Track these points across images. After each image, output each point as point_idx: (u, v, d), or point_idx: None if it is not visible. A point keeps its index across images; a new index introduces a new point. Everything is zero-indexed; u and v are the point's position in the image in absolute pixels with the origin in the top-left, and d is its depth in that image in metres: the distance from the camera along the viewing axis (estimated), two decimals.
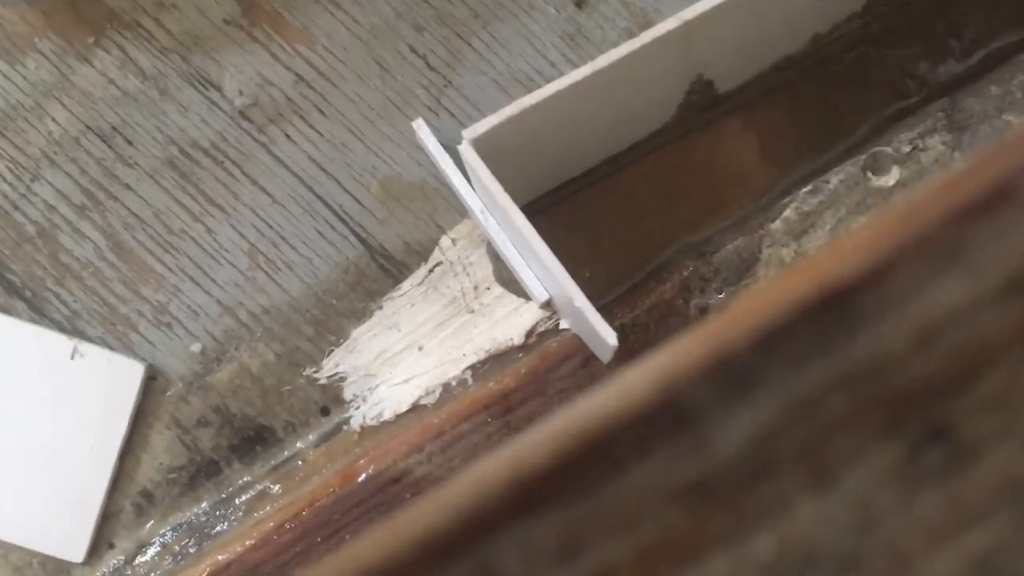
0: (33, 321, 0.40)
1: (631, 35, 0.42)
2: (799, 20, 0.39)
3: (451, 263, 0.41)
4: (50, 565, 0.39)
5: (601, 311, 0.34)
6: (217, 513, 0.40)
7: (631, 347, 0.38)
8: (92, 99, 0.41)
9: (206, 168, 0.41)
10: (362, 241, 0.41)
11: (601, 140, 0.40)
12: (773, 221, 0.39)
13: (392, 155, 0.42)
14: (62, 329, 0.40)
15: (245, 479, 0.40)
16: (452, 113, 0.42)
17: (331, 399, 0.41)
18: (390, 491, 0.38)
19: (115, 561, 0.39)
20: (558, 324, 0.40)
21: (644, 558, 0.11)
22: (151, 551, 0.39)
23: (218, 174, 0.41)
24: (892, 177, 0.39)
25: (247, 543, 0.38)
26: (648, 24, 0.42)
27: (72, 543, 0.39)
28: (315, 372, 0.41)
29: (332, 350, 0.41)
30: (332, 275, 0.41)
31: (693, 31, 0.36)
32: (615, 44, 0.42)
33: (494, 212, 0.37)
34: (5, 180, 0.41)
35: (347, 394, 0.41)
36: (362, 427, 0.40)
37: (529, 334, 0.40)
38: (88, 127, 0.41)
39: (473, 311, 0.41)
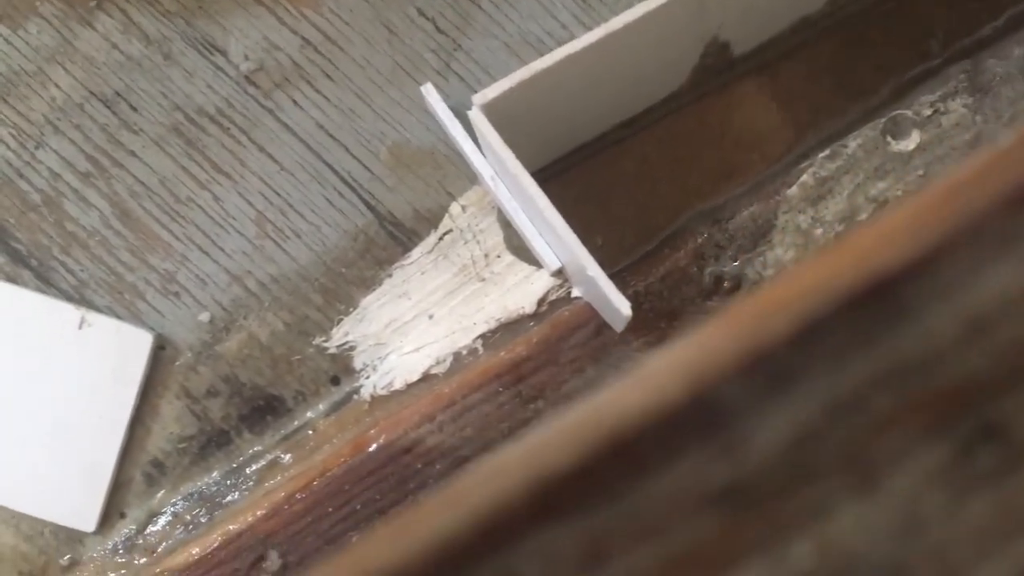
0: (40, 290, 0.40)
1: None
2: None
3: (461, 230, 0.41)
4: (62, 534, 0.39)
5: (614, 278, 0.33)
6: (228, 483, 0.40)
7: (644, 316, 0.38)
8: (95, 64, 0.40)
9: (212, 135, 0.40)
10: (371, 208, 0.41)
11: (614, 104, 0.39)
12: (790, 187, 0.38)
13: (401, 120, 0.41)
14: (69, 298, 0.40)
15: (255, 449, 0.40)
16: (462, 77, 0.41)
17: (341, 368, 0.40)
18: (402, 461, 0.38)
19: (127, 530, 0.39)
20: (570, 292, 0.40)
21: (673, 567, 0.11)
22: (162, 520, 0.39)
23: (224, 141, 0.40)
24: (912, 141, 0.38)
25: (258, 513, 0.38)
26: None
27: (83, 512, 0.39)
28: (324, 341, 0.40)
29: (341, 319, 0.40)
30: (341, 243, 0.41)
31: None
32: (628, 5, 0.41)
33: (505, 179, 0.37)
34: (9, 147, 0.40)
35: (357, 363, 0.40)
36: (372, 396, 0.40)
37: (540, 302, 0.40)
38: (92, 93, 0.40)
39: (484, 279, 0.41)
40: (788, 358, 0.11)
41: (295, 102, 0.41)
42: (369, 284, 0.41)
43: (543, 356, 0.38)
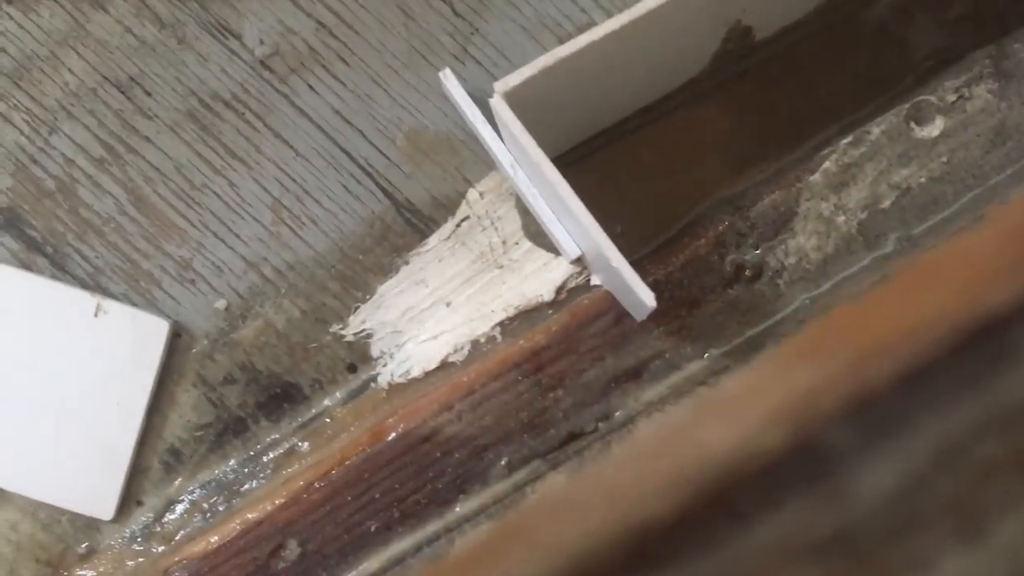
0: (55, 278, 0.39)
1: None
2: None
3: (479, 217, 0.40)
4: (79, 522, 0.39)
5: (633, 266, 0.33)
6: (245, 471, 0.39)
7: (664, 305, 0.38)
8: (108, 48, 0.40)
9: (227, 120, 0.40)
10: (388, 195, 0.40)
11: (634, 90, 0.38)
12: (812, 173, 0.38)
13: (418, 106, 0.40)
14: (85, 286, 0.40)
15: (273, 437, 0.40)
16: (479, 61, 0.41)
17: (358, 356, 0.40)
18: (420, 450, 0.38)
19: (144, 518, 0.39)
20: (589, 280, 0.39)
21: None
22: (180, 508, 0.39)
23: (240, 126, 0.40)
24: (936, 128, 0.38)
25: (277, 501, 0.38)
26: None
27: (101, 500, 0.39)
28: (341, 329, 0.40)
29: (358, 306, 0.40)
30: (357, 230, 0.40)
31: None
32: None
33: (525, 166, 0.36)
34: (23, 133, 0.40)
35: (374, 351, 0.40)
36: (390, 384, 0.40)
37: (559, 290, 0.39)
38: (105, 77, 0.40)
39: (502, 266, 0.40)
40: (895, 403, 0.11)
41: (311, 87, 0.40)
42: (386, 271, 0.40)
43: (562, 345, 0.38)
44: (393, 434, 0.38)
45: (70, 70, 0.40)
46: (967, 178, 0.38)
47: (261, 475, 0.39)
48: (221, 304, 0.40)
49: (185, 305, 0.40)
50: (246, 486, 0.39)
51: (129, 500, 0.39)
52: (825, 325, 0.12)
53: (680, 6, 0.34)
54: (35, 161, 0.40)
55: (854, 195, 0.38)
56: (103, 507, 0.39)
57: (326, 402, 0.40)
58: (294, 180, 0.40)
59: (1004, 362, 0.11)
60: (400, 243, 0.40)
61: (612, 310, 0.38)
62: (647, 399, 0.38)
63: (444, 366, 0.39)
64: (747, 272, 0.38)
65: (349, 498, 0.38)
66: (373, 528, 0.38)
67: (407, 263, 0.40)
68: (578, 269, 0.39)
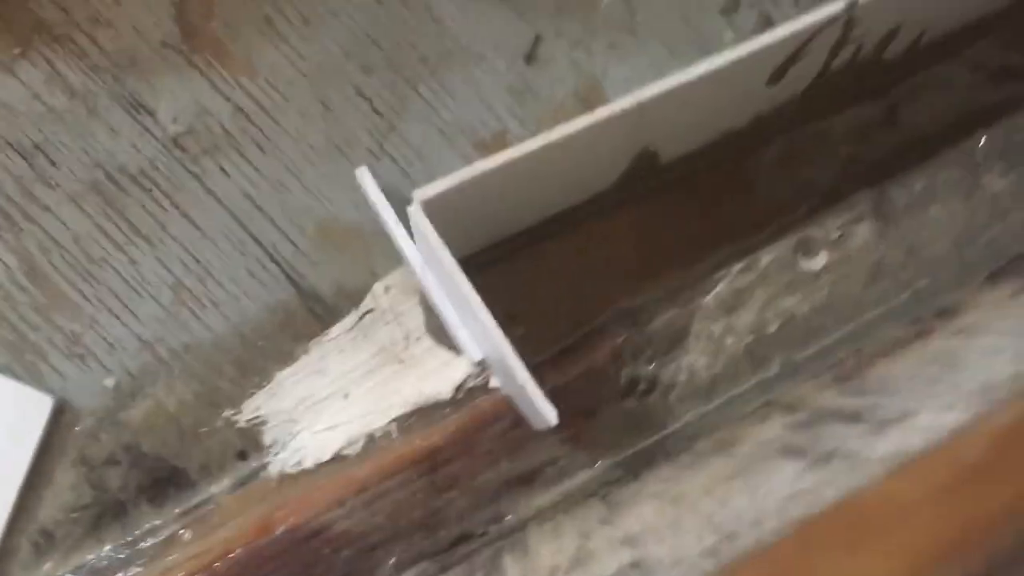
0: None
1: (578, 96, 0.42)
2: (743, 101, 0.40)
3: (383, 311, 0.41)
4: None
5: (533, 371, 0.34)
6: (121, 557, 0.38)
7: (561, 413, 0.38)
8: (14, 113, 0.39)
9: (133, 195, 0.39)
10: (293, 283, 0.40)
11: (546, 201, 0.40)
12: (706, 295, 0.40)
13: (331, 196, 0.41)
14: None
15: (154, 523, 0.38)
16: (394, 159, 0.41)
17: (250, 443, 0.39)
18: (309, 546, 0.37)
19: None
20: (488, 381, 0.40)
21: None
22: None
23: (146, 203, 0.39)
24: (820, 261, 0.41)
25: None
26: (596, 86, 0.43)
27: None
28: (235, 414, 0.39)
29: (254, 392, 0.40)
30: (259, 315, 0.40)
31: (646, 110, 0.36)
32: (561, 104, 0.43)
33: (435, 269, 0.37)
34: None
35: (267, 439, 0.40)
36: (281, 474, 0.39)
37: (458, 389, 0.40)
38: (8, 142, 0.39)
39: (402, 361, 0.41)
40: None
41: (223, 169, 0.40)
42: (286, 359, 0.40)
43: (459, 446, 0.39)
44: (281, 527, 0.38)
45: None
46: (845, 311, 0.41)
47: (138, 562, 0.38)
48: (110, 382, 0.39)
49: (72, 381, 0.39)
50: (120, 574, 0.38)
51: None
52: None
53: (595, 133, 0.35)
54: None
55: (743, 319, 0.40)
56: None
57: (213, 489, 0.39)
58: (198, 261, 0.40)
59: None
60: (302, 331, 0.40)
61: (510, 414, 0.39)
62: (538, 505, 0.39)
63: (338, 459, 0.39)
64: (641, 386, 0.39)
65: None
66: None
67: (307, 352, 0.40)
68: (478, 369, 0.40)
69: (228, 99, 0.40)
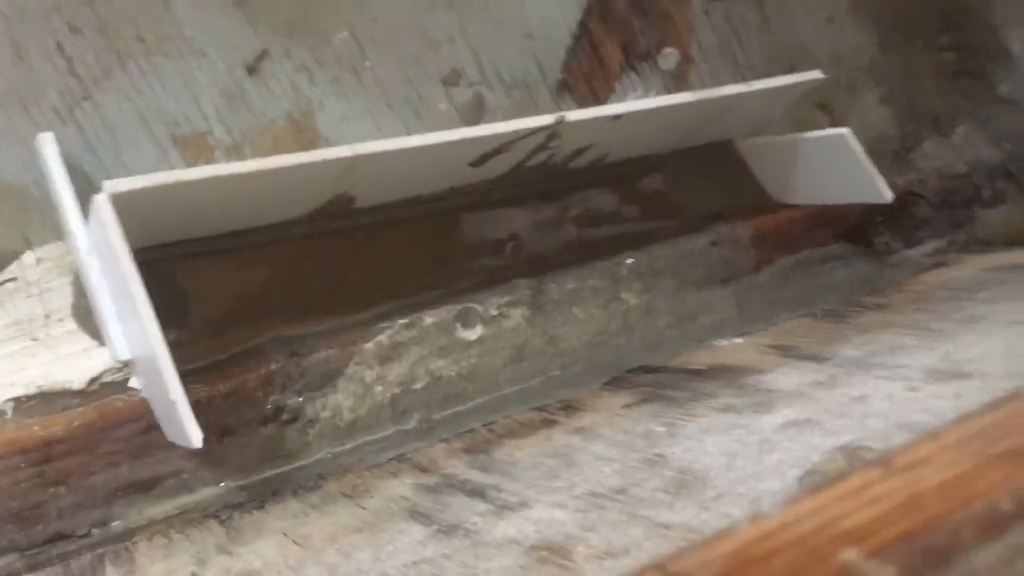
0: None
1: (290, 119, 0.43)
2: (446, 173, 0.43)
3: (28, 283, 0.38)
4: None
5: (180, 378, 0.33)
6: None
7: (202, 427, 0.38)
8: None
9: None
10: None
11: (236, 218, 0.39)
12: (368, 341, 0.42)
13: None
14: None
15: None
16: (82, 129, 0.39)
17: None
18: None
19: None
20: (127, 379, 0.39)
21: None
22: None
23: None
24: (476, 332, 0.44)
25: None
26: (310, 114, 0.43)
27: None
28: None
29: None
30: None
31: (358, 162, 0.37)
32: (272, 122, 0.43)
33: (105, 257, 0.35)
34: None
35: None
36: None
37: (93, 381, 0.38)
38: None
39: (36, 339, 0.38)
40: None
41: None
42: None
43: (80, 440, 0.37)
44: None
45: None
46: (486, 383, 0.44)
47: None
48: None
49: None
50: None
51: None
52: None
53: (306, 170, 0.36)
54: None
55: (395, 370, 0.42)
56: None
57: None
58: None
59: None
60: None
61: (144, 419, 0.38)
62: (151, 515, 0.38)
63: None
64: (285, 415, 0.40)
65: None
66: None
67: None
68: (119, 366, 0.38)
69: None
